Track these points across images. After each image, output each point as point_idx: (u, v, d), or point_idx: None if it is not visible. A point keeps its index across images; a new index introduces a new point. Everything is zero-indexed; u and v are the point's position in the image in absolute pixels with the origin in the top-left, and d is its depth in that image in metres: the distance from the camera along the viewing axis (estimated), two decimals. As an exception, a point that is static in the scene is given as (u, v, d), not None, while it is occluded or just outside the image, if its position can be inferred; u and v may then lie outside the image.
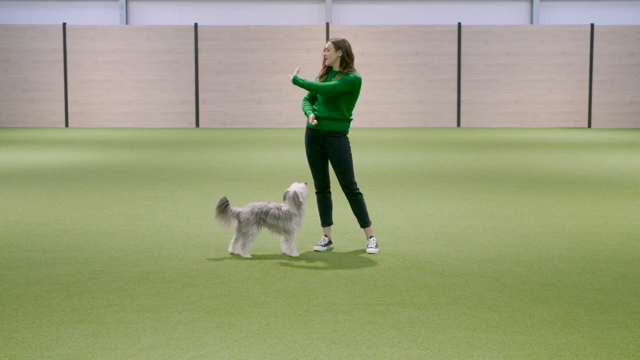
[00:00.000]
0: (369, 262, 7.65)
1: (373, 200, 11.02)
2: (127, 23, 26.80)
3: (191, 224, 9.52)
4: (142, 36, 25.58)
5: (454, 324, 5.76)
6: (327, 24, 25.59)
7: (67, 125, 25.65)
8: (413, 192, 11.99)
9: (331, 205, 8.25)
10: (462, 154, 17.29)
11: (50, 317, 5.89)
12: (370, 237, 8.11)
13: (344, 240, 8.59)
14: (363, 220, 8.11)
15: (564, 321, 5.82)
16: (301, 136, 22.06)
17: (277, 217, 7.74)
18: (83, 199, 11.33)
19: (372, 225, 8.45)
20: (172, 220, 9.75)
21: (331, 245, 8.27)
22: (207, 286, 6.77)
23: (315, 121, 7.89)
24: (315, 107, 7.96)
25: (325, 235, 8.27)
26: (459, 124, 25.83)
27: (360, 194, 8.12)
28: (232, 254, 7.91)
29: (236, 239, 7.86)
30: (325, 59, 7.94)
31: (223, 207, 7.76)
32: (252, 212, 7.75)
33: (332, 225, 8.41)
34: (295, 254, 7.83)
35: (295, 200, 7.78)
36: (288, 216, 7.77)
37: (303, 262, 7.61)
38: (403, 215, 10.03)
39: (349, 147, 8.04)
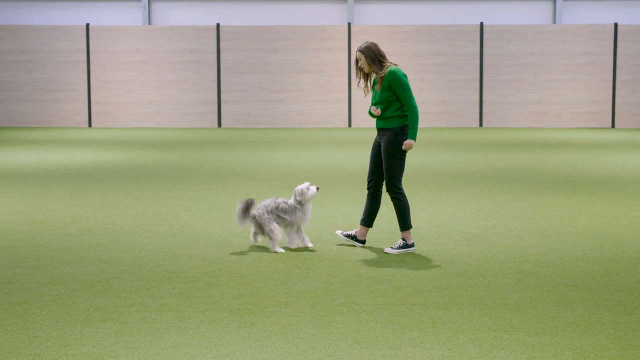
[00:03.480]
0: (391, 262, 7.64)
1: (395, 201, 11.01)
2: (149, 23, 26.91)
3: (213, 223, 9.55)
4: (165, 36, 25.68)
5: (476, 324, 5.74)
6: (349, 24, 25.58)
7: (90, 125, 25.80)
8: (435, 192, 11.97)
9: (373, 207, 8.20)
10: (484, 154, 17.23)
11: (74, 316, 5.93)
12: (401, 239, 8.10)
13: (367, 240, 8.58)
14: (399, 224, 8.09)
15: (588, 322, 5.79)
16: (323, 136, 22.07)
17: (285, 211, 8.20)
18: (106, 198, 11.39)
19: (401, 229, 8.18)
20: (194, 220, 9.78)
21: (356, 243, 8.27)
22: (229, 286, 6.79)
23: (378, 110, 7.98)
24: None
25: (356, 231, 8.30)
26: (481, 124, 25.74)
27: (397, 198, 8.05)
28: (255, 245, 8.38)
29: (255, 232, 8.33)
30: (361, 69, 8.10)
31: (246, 209, 8.17)
32: (266, 211, 8.17)
33: (368, 228, 8.33)
34: (294, 245, 8.23)
35: (295, 196, 8.20)
36: (293, 210, 8.20)
37: (325, 263, 7.62)
38: (425, 216, 10.01)
39: (399, 146, 8.00)
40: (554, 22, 27.09)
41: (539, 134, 22.99)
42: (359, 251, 8.10)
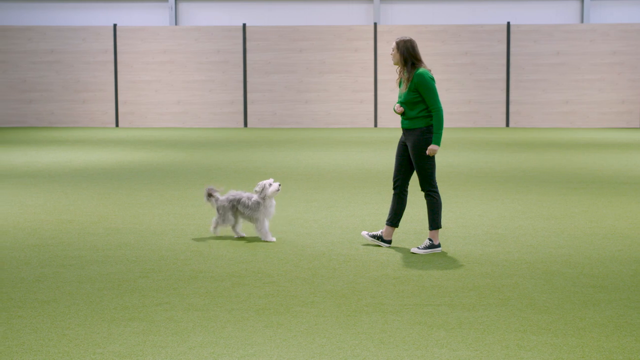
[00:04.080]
0: (418, 262, 7.63)
1: (421, 201, 10.98)
2: (176, 24, 27.03)
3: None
4: (191, 37, 25.78)
5: (503, 325, 5.72)
6: (375, 24, 25.55)
7: (117, 125, 25.95)
8: (461, 192, 11.93)
9: (399, 208, 8.19)
10: (511, 155, 17.16)
11: (101, 315, 5.97)
12: (427, 239, 8.09)
13: (393, 240, 8.56)
14: (429, 222, 8.08)
15: (616, 324, 5.75)
16: (349, 136, 22.07)
17: (246, 206, 8.64)
18: (133, 198, 11.45)
19: (430, 228, 8.16)
20: (221, 219, 9.81)
21: (382, 244, 8.26)
22: (255, 285, 6.80)
23: (401, 108, 7.98)
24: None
25: (382, 231, 8.29)
26: (507, 124, 25.63)
27: (431, 196, 8.03)
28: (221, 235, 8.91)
29: (216, 223, 8.82)
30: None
31: (209, 195, 8.87)
32: (227, 200, 8.74)
33: (394, 228, 8.32)
34: (271, 238, 8.61)
35: (257, 191, 8.62)
36: (256, 206, 8.59)
37: (351, 263, 7.62)
38: (452, 216, 9.98)
39: (426, 146, 7.94)
40: (582, 21, 26.92)
41: (566, 134, 22.85)
42: (385, 251, 8.09)
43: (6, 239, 8.68)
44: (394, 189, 8.21)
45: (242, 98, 25.84)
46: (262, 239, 8.61)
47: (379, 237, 8.31)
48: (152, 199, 11.32)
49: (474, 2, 26.93)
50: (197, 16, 27.25)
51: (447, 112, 25.56)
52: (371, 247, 8.25)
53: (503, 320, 5.82)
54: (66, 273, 7.23)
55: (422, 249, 8.02)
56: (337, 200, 11.27)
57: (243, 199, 8.64)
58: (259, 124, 25.84)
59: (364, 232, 8.42)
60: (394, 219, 8.24)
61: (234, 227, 8.80)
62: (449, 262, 7.65)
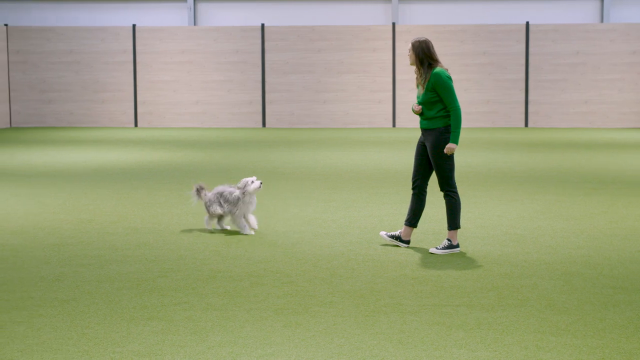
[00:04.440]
0: (436, 263, 7.61)
1: (440, 201, 10.96)
2: (195, 24, 27.10)
3: (258, 223, 9.58)
4: (210, 37, 25.83)
5: (522, 326, 5.70)
6: (394, 24, 25.52)
7: (136, 125, 26.04)
8: (480, 192, 11.90)
9: (417, 208, 8.17)
10: (530, 155, 17.09)
11: (121, 314, 6.00)
12: (446, 239, 8.07)
13: (411, 240, 8.55)
14: (448, 222, 8.06)
15: (636, 325, 5.71)
16: (367, 136, 22.05)
17: (227, 200, 9.05)
18: (152, 197, 11.49)
19: (449, 228, 8.14)
20: (239, 219, 9.83)
21: (400, 244, 8.25)
22: (274, 285, 6.81)
23: (419, 107, 7.98)
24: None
25: (400, 231, 8.28)
26: (526, 124, 25.53)
27: (450, 195, 8.02)
28: (213, 230, 9.25)
29: (209, 217, 9.21)
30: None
31: (198, 192, 9.30)
32: (213, 194, 9.17)
33: (412, 229, 8.30)
34: (249, 232, 8.99)
35: (241, 187, 9.00)
36: (236, 200, 8.98)
37: (370, 263, 7.61)
38: (470, 216, 9.96)
39: (445, 145, 7.92)
40: (602, 21, 26.78)
41: (585, 134, 22.74)
42: (403, 252, 8.08)
43: (26, 238, 8.73)
44: (413, 189, 8.20)
45: (260, 98, 25.88)
46: (241, 233, 9.01)
47: (397, 237, 8.30)
48: (170, 199, 11.36)
49: (492, 1, 26.85)
50: (215, 16, 27.30)
51: (466, 112, 25.49)
52: (390, 247, 8.24)
53: (522, 321, 5.80)
54: (85, 272, 7.26)
55: (440, 249, 8.00)
56: (356, 200, 11.26)
57: (225, 193, 9.09)
58: (277, 124, 25.86)
59: (383, 232, 8.41)
60: (413, 219, 8.23)
61: (219, 220, 9.21)
62: (467, 262, 7.63)
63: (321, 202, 11.06)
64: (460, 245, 8.26)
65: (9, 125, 26.00)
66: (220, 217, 9.19)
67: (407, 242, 8.29)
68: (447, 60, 25.14)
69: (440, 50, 25.19)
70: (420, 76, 7.97)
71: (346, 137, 21.89)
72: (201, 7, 27.20)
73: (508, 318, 5.88)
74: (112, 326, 5.71)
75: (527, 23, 25.31)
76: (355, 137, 21.87)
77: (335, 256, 7.88)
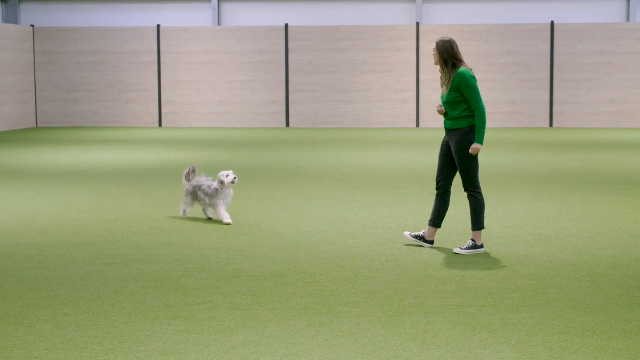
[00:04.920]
0: (460, 263, 7.59)
1: (464, 201, 10.93)
2: (219, 24, 27.18)
3: (282, 222, 9.60)
4: (234, 37, 25.90)
5: (547, 327, 5.67)
6: (418, 24, 25.47)
7: (160, 125, 26.16)
8: (505, 193, 11.85)
9: (442, 208, 8.14)
10: (555, 155, 17.00)
11: (145, 313, 6.02)
12: (470, 239, 8.04)
13: (435, 240, 8.53)
14: (472, 222, 8.03)
15: (662, 327, 5.67)
16: (391, 136, 22.02)
17: (205, 193, 9.67)
18: (176, 197, 11.54)
19: (473, 229, 8.11)
20: (263, 219, 9.85)
21: (424, 244, 8.23)
22: (298, 285, 6.82)
23: (442, 108, 7.96)
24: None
25: (424, 232, 8.26)
26: (551, 124, 25.40)
27: (474, 196, 7.99)
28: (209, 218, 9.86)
29: (203, 207, 9.82)
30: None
31: (188, 175, 9.94)
32: (191, 185, 9.81)
33: (436, 229, 8.27)
34: (228, 220, 9.43)
35: (218, 180, 9.60)
36: (214, 193, 9.57)
37: (393, 263, 7.60)
38: (495, 217, 9.92)
39: (469, 146, 7.89)
40: (628, 20, 26.58)
41: (611, 134, 22.59)
42: (427, 252, 8.06)
43: (52, 238, 8.80)
44: (437, 189, 8.18)
45: (284, 98, 25.91)
46: (221, 221, 9.63)
47: (421, 238, 8.29)
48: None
49: (517, 1, 26.72)
50: (240, 16, 27.37)
51: (490, 112, 25.39)
52: (413, 248, 8.23)
53: (547, 322, 5.77)
54: (111, 271, 7.30)
55: (464, 249, 7.98)
56: (379, 200, 11.25)
57: (203, 187, 9.72)
58: (301, 124, 25.88)
59: (406, 233, 8.39)
60: (437, 220, 8.21)
61: (205, 210, 9.82)
62: (492, 263, 7.60)
63: (345, 202, 11.06)
64: (484, 246, 8.23)
65: (35, 125, 26.20)
66: (191, 207, 9.90)
67: (431, 242, 8.27)
68: (472, 60, 25.06)
69: (465, 50, 25.11)
70: (445, 76, 7.95)
71: (370, 137, 21.88)
72: (225, 7, 27.27)
73: (533, 319, 5.85)
74: (137, 325, 5.74)
75: (552, 23, 25.17)
76: (379, 137, 21.85)
77: (359, 256, 7.88)
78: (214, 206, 9.59)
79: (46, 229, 9.28)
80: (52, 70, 26.29)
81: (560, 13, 26.64)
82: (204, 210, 9.81)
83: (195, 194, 9.77)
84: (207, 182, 9.75)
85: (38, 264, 7.62)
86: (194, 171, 9.97)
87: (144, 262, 7.67)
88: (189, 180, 9.93)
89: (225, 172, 9.60)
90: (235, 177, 9.54)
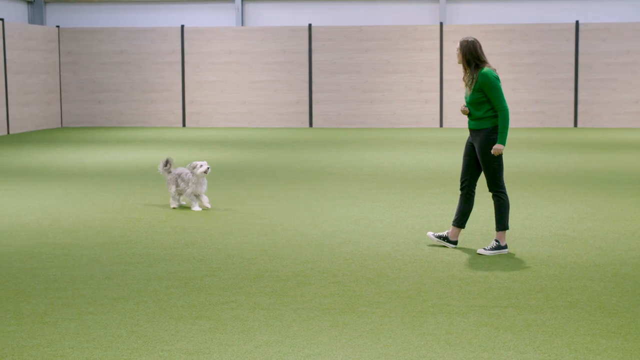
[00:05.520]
0: (484, 263, 7.56)
1: (488, 201, 10.89)
2: (242, 24, 27.24)
3: (305, 222, 9.61)
4: (257, 37, 25.95)
5: (572, 328, 5.64)
6: (441, 24, 25.41)
7: (184, 125, 26.25)
8: (528, 193, 11.79)
9: (466, 208, 8.11)
10: (579, 155, 16.90)
11: (169, 312, 6.05)
12: (494, 240, 8.01)
13: (459, 241, 8.50)
14: (496, 223, 8.00)
15: (688, 328, 5.62)
16: (414, 136, 21.98)
17: (183, 180, 10.44)
18: (200, 197, 11.57)
19: (497, 229, 8.07)
20: (286, 219, 9.86)
21: (448, 244, 8.21)
22: (321, 285, 6.82)
23: (466, 108, 7.94)
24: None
25: (448, 232, 8.24)
26: (575, 124, 25.25)
27: (498, 196, 7.96)
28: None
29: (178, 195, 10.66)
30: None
31: (165, 165, 10.67)
32: (173, 175, 10.53)
33: (460, 229, 8.24)
34: (196, 208, 10.34)
35: (190, 169, 10.38)
36: (189, 180, 10.36)
37: (417, 264, 7.59)
38: (518, 217, 9.88)
39: (493, 146, 7.89)
40: (653, 19, 26.37)
41: (636, 134, 22.42)
42: (450, 252, 8.04)
43: (77, 237, 8.85)
44: (462, 189, 8.16)
45: (307, 98, 25.92)
46: (191, 209, 10.46)
47: (444, 238, 8.27)
48: (218, 198, 11.43)
49: (541, 1, 26.59)
50: (263, 16, 27.42)
51: (514, 112, 25.29)
52: (437, 248, 8.21)
53: (571, 323, 5.74)
54: (134, 271, 7.34)
55: (488, 250, 7.95)
56: (403, 200, 11.23)
57: (182, 175, 10.47)
58: (324, 124, 25.89)
59: (430, 233, 8.37)
60: (461, 220, 8.19)
61: (179, 197, 10.62)
62: (515, 263, 7.57)
63: (368, 202, 11.05)
64: (508, 246, 8.20)
65: (60, 125, 26.37)
66: (179, 195, 10.62)
67: (455, 242, 8.25)
68: (495, 60, 24.97)
69: (488, 50, 25.02)
70: (468, 76, 7.92)
71: (393, 137, 21.85)
72: (249, 7, 27.32)
73: (557, 320, 5.82)
74: (161, 324, 5.77)
75: (577, 22, 25.02)
76: (402, 137, 21.81)
77: (382, 256, 7.87)
78: (184, 192, 10.46)
79: (71, 229, 9.34)
80: (76, 70, 26.45)
81: (585, 12, 26.48)
82: (179, 197, 10.60)
83: (176, 183, 10.50)
84: (186, 170, 10.49)
85: (63, 263, 7.67)
86: (170, 162, 10.66)
87: (167, 261, 7.70)
88: (169, 172, 10.62)
89: (198, 162, 10.34)
90: (207, 168, 10.29)
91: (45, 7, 27.49)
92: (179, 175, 10.49)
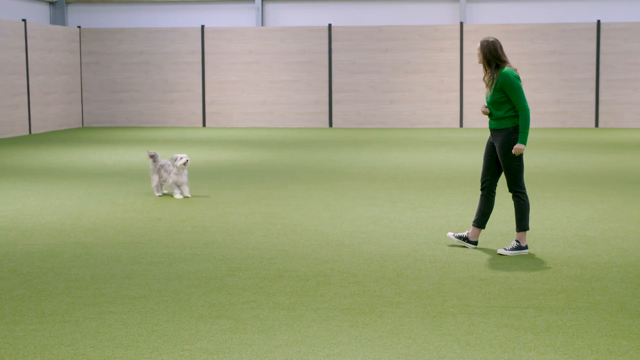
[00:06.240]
0: (504, 264, 7.54)
1: (509, 202, 10.85)
2: (262, 24, 27.29)
3: (325, 222, 9.61)
4: (277, 37, 25.98)
5: (593, 329, 5.61)
6: (461, 23, 25.34)
7: (204, 125, 26.32)
8: (549, 193, 11.74)
9: (486, 209, 8.09)
10: (600, 155, 16.81)
11: (189, 312, 6.07)
12: (514, 240, 7.98)
13: (479, 241, 8.48)
14: (516, 223, 7.98)
15: None
16: (434, 136, 21.94)
17: (166, 171, 11.42)
18: (220, 197, 11.60)
19: (518, 230, 8.04)
20: (306, 219, 9.87)
21: (468, 245, 8.19)
22: (341, 285, 6.82)
23: (486, 109, 7.93)
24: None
25: (468, 232, 8.22)
26: (597, 125, 25.12)
27: (518, 197, 7.93)
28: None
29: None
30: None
31: (152, 158, 11.63)
32: (156, 167, 11.53)
33: (480, 230, 8.22)
34: (178, 196, 11.33)
35: (172, 161, 11.37)
36: (171, 171, 11.33)
37: (437, 264, 7.58)
38: (539, 217, 9.84)
39: (513, 146, 7.86)
40: (675, 19, 26.18)
41: (658, 134, 22.26)
42: (471, 252, 8.02)
43: (98, 237, 8.90)
44: (482, 189, 8.14)
45: (327, 98, 25.93)
46: (173, 197, 11.42)
47: (465, 238, 8.25)
48: (238, 198, 11.45)
49: (562, 0, 26.46)
50: (282, 16, 27.44)
51: (535, 112, 25.18)
52: (457, 248, 8.19)
53: (593, 324, 5.71)
54: (155, 270, 7.37)
55: (509, 250, 7.92)
56: (423, 200, 11.21)
57: (165, 166, 11.45)
58: (344, 124, 25.89)
59: (450, 233, 8.36)
60: (481, 220, 8.16)
61: (161, 187, 11.59)
62: (536, 264, 7.54)
63: (388, 202, 11.04)
64: (529, 247, 8.17)
65: (81, 125, 26.51)
66: (162, 185, 11.61)
67: (475, 243, 8.23)
68: (516, 60, 24.87)
69: (509, 50, 24.93)
70: (488, 76, 7.90)
71: (413, 137, 21.81)
72: (268, 7, 27.36)
73: (578, 321, 5.79)
74: (181, 324, 5.79)
75: (598, 21, 24.89)
76: (422, 137, 21.78)
77: (402, 256, 7.86)
78: (166, 182, 11.45)
79: (92, 228, 9.39)
80: (97, 70, 26.58)
81: (606, 12, 26.33)
82: (161, 186, 11.63)
83: (160, 173, 11.48)
84: (167, 162, 11.49)
85: (84, 262, 7.71)
86: (156, 156, 11.62)
87: (188, 261, 7.73)
88: (155, 163, 11.62)
89: (179, 155, 11.32)
90: (187, 160, 11.26)
91: (66, 7, 27.65)
92: (162, 166, 11.47)
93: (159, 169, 11.51)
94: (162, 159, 11.75)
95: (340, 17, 27.09)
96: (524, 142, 7.80)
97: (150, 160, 11.68)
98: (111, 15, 27.73)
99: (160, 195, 11.59)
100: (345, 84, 25.80)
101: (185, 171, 11.42)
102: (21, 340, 5.45)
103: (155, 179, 11.59)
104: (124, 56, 26.49)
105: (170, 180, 11.38)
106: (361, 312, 6.03)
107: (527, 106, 7.80)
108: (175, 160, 11.31)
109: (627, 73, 24.95)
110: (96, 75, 26.60)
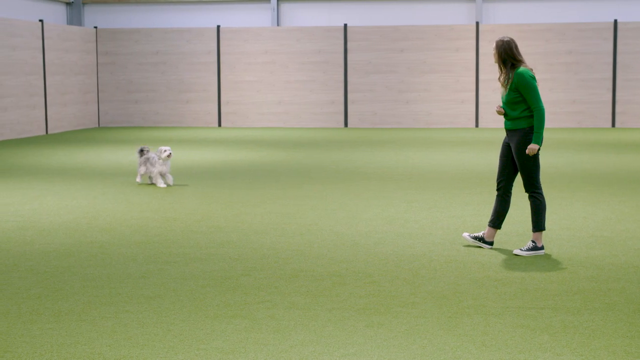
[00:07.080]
0: (520, 264, 7.51)
1: (525, 202, 10.81)
2: (278, 24, 27.31)
3: (340, 222, 9.61)
4: (293, 37, 25.99)
5: (610, 330, 5.58)
6: (477, 23, 25.28)
7: (220, 125, 26.37)
8: (565, 194, 11.70)
9: (502, 209, 8.07)
10: (617, 156, 16.73)
11: (205, 311, 6.08)
12: (530, 240, 7.95)
13: (495, 241, 8.46)
14: (532, 224, 7.95)
15: None
16: (450, 136, 21.90)
17: (152, 163, 12.46)
18: (235, 196, 11.62)
19: (534, 230, 8.01)
20: (321, 219, 9.87)
21: (484, 245, 8.17)
22: (356, 285, 6.82)
23: (501, 109, 7.91)
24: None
25: (484, 232, 8.20)
26: (613, 125, 25.00)
27: (534, 197, 7.91)
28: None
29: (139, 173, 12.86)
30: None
31: (141, 152, 12.71)
32: (143, 159, 12.61)
33: (496, 230, 8.20)
34: (161, 185, 12.46)
35: (157, 153, 12.46)
36: (156, 162, 12.40)
37: (452, 264, 7.56)
38: (555, 218, 9.80)
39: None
40: (693, 18, 26.03)
41: (675, 134, 22.13)
42: (486, 253, 8.00)
43: (114, 236, 8.93)
44: (498, 190, 8.11)
45: (342, 98, 25.92)
46: (157, 186, 12.45)
47: (480, 239, 8.23)
48: (253, 198, 11.47)
49: (578, 0, 26.35)
50: (298, 17, 27.46)
51: (551, 112, 25.09)
52: (473, 249, 8.17)
53: (610, 325, 5.69)
54: (171, 270, 7.39)
55: (525, 250, 7.90)
56: (438, 200, 11.19)
57: (151, 158, 12.51)
58: (360, 124, 25.87)
59: (465, 234, 8.34)
60: (497, 221, 8.14)
61: (163, 176, 12.55)
62: (552, 264, 7.51)
63: (403, 203, 11.03)
64: (545, 247, 8.14)
65: (97, 125, 26.62)
66: (146, 175, 12.64)
67: (491, 243, 8.20)
68: (532, 60, 24.78)
69: (525, 50, 24.85)
70: (503, 76, 7.88)
71: (429, 137, 21.78)
72: (284, 7, 27.38)
73: (595, 322, 5.77)
74: (197, 323, 5.80)
75: (615, 21, 24.78)
76: (438, 137, 21.74)
77: (418, 257, 7.85)
78: (152, 173, 12.46)
79: (108, 227, 9.42)
80: (113, 70, 26.68)
81: (624, 11, 26.20)
82: (150, 177, 12.66)
83: (145, 165, 12.54)
84: (153, 155, 12.54)
85: (100, 261, 7.74)
86: (145, 150, 12.63)
87: (203, 260, 7.74)
88: (142, 155, 12.64)
89: (163, 148, 12.37)
90: (170, 153, 12.32)
91: (83, 8, 27.76)
92: (148, 159, 12.57)
93: (145, 161, 12.58)
94: (149, 152, 12.71)
95: (356, 17, 27.07)
96: (539, 143, 7.77)
97: (139, 154, 12.71)
98: (127, 16, 27.82)
99: (139, 182, 12.85)
100: (360, 84, 25.79)
101: (169, 162, 12.53)
102: (38, 338, 5.48)
103: (142, 170, 12.67)
104: (140, 56, 26.57)
105: (156, 171, 12.43)
106: (376, 312, 6.03)
107: (542, 106, 7.77)
108: (161, 152, 12.38)
109: (644, 73, 24.80)
110: (112, 76, 26.69)
